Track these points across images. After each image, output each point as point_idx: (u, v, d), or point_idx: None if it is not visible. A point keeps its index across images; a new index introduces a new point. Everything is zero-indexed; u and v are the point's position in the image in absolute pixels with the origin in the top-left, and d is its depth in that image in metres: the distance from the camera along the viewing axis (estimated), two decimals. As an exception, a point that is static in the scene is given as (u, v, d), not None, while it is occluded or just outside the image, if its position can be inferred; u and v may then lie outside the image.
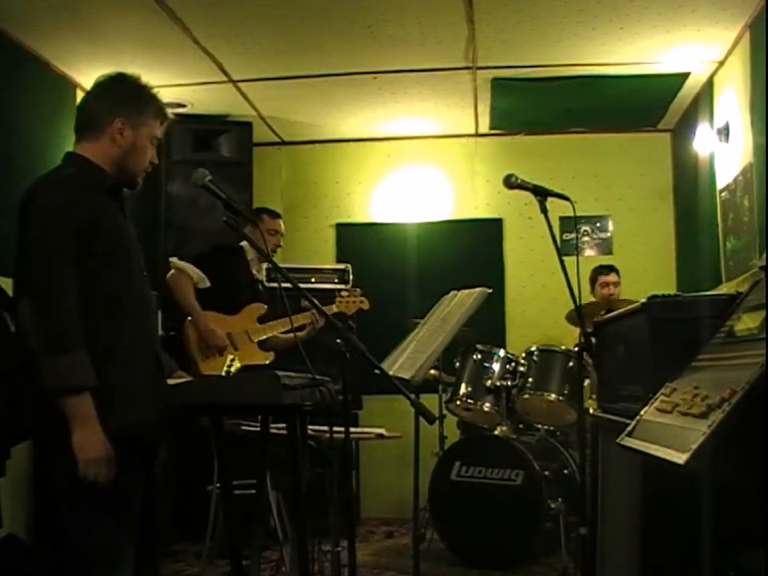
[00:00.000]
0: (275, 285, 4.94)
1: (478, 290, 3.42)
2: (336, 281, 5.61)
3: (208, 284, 4.30)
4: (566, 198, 2.90)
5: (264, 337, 4.31)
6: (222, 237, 4.54)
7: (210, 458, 3.74)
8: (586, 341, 2.76)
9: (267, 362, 4.25)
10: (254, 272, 4.53)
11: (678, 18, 4.28)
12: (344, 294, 4.63)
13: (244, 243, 4.46)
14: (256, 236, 3.71)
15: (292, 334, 4.13)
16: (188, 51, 4.63)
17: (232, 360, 4.07)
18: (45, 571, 3.38)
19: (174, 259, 4.36)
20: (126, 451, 2.07)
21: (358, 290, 4.72)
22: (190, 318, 4.22)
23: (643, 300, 2.22)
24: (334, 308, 4.50)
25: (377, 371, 2.53)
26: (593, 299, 5.25)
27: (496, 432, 4.69)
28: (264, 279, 5.04)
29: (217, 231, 4.86)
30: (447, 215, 6.40)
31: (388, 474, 5.81)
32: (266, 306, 4.38)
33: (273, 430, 3.02)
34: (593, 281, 5.36)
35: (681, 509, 1.93)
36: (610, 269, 5.42)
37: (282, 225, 4.65)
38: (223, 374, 3.92)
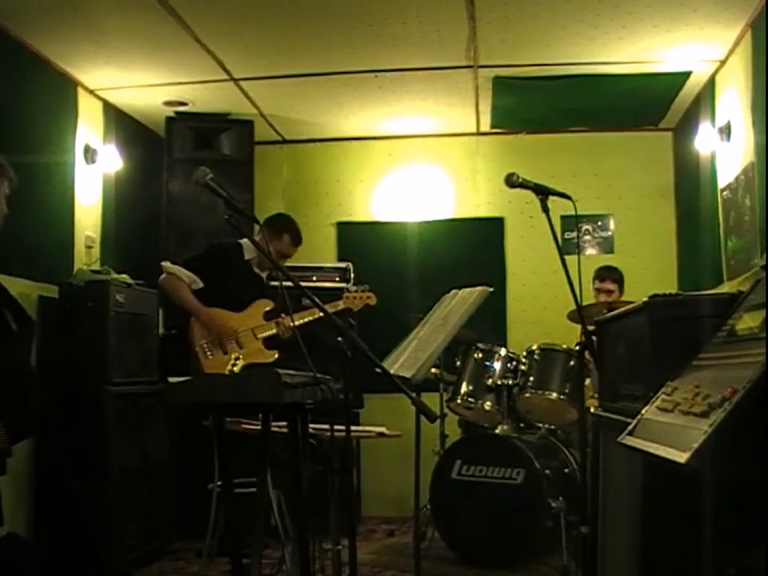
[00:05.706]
0: (277, 284, 4.96)
1: (479, 288, 3.41)
2: (337, 279, 5.61)
3: (201, 284, 4.27)
4: (568, 197, 2.91)
5: (269, 334, 4.30)
6: (222, 235, 4.53)
7: (211, 456, 3.74)
8: (587, 339, 2.76)
9: (271, 361, 4.23)
10: (255, 269, 4.51)
11: (680, 17, 4.28)
12: (352, 289, 4.62)
13: (242, 241, 4.43)
14: (261, 241, 3.68)
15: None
16: (189, 49, 4.62)
17: (236, 359, 4.05)
18: (45, 570, 3.39)
19: (165, 263, 4.34)
20: None
21: (366, 285, 4.69)
22: (192, 316, 4.20)
23: (644, 299, 2.22)
24: (341, 304, 4.48)
25: (378, 370, 2.53)
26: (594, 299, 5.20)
27: (497, 431, 4.69)
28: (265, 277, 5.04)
29: (218, 229, 4.87)
30: (448, 214, 6.39)
31: (389, 472, 5.81)
32: (272, 302, 4.36)
33: (274, 429, 3.02)
34: (593, 282, 5.25)
35: (682, 508, 1.93)
36: (607, 275, 5.20)
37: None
38: (227, 372, 3.92)
